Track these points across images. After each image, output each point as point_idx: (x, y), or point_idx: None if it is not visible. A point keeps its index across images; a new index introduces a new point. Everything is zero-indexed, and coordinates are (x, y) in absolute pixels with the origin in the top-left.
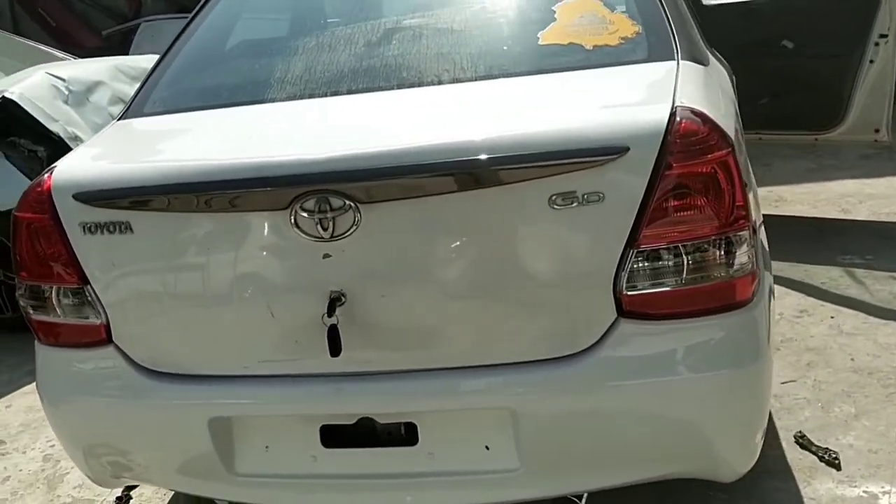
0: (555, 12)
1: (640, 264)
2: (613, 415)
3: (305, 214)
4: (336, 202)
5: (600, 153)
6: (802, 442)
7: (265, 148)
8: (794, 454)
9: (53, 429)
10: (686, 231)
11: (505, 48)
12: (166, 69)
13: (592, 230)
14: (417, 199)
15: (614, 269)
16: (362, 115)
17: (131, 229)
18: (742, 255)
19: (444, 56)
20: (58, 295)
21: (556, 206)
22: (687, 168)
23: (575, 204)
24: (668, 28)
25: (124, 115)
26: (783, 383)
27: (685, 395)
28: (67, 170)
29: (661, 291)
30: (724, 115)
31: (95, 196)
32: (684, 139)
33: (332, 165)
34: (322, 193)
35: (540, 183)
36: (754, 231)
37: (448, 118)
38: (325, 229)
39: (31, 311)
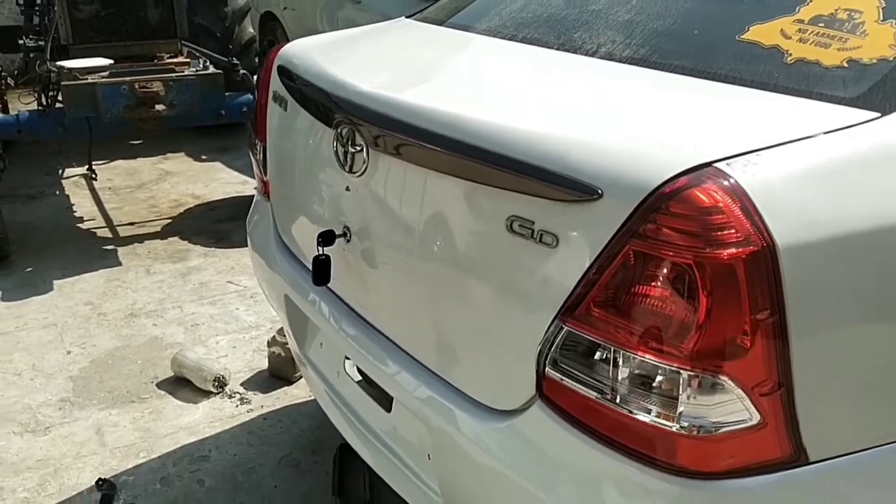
0: (805, 2)
1: (567, 346)
2: (499, 499)
3: (339, 141)
4: (358, 139)
5: (567, 187)
6: None
7: (360, 73)
8: None
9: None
10: (629, 333)
11: (696, 32)
12: None
13: (535, 277)
14: (405, 163)
15: (540, 338)
16: (463, 64)
17: (286, 107)
18: (708, 409)
19: (626, 25)
20: (256, 150)
21: (512, 230)
22: (656, 248)
23: (529, 237)
24: None
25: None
26: None
27: None
28: (293, 47)
29: (583, 395)
30: (826, 212)
31: (280, 70)
32: (671, 210)
33: (353, 98)
34: (351, 125)
35: (505, 196)
36: (776, 387)
37: (493, 93)
38: (346, 161)
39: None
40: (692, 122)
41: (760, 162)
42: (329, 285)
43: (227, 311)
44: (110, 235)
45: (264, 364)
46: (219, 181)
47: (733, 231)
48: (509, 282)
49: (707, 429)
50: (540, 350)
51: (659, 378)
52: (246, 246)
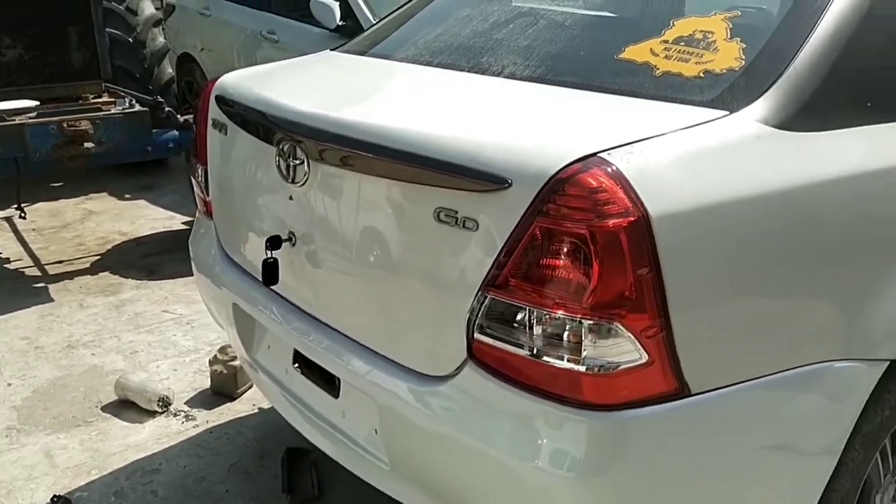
0: (670, 26)
1: (491, 313)
2: (447, 453)
3: (281, 156)
4: (299, 153)
5: (482, 179)
6: None
7: (295, 95)
8: None
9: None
10: (541, 295)
11: (582, 54)
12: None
13: (461, 257)
14: (342, 170)
15: (468, 307)
16: (386, 86)
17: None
18: (605, 350)
19: (525, 49)
20: (198, 174)
21: (440, 220)
22: (555, 224)
23: (453, 224)
24: (781, 74)
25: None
26: None
27: (511, 473)
28: (229, 78)
29: (506, 351)
30: (688, 189)
31: (218, 98)
32: (567, 192)
33: (292, 117)
34: (291, 141)
35: (431, 191)
36: (658, 331)
37: (415, 107)
38: (288, 173)
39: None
40: (581, 123)
41: (634, 151)
42: (275, 288)
43: (164, 338)
44: (39, 274)
45: (206, 384)
46: (145, 218)
47: (616, 206)
48: (439, 264)
49: (606, 368)
50: (468, 318)
51: (566, 330)
52: (178, 277)
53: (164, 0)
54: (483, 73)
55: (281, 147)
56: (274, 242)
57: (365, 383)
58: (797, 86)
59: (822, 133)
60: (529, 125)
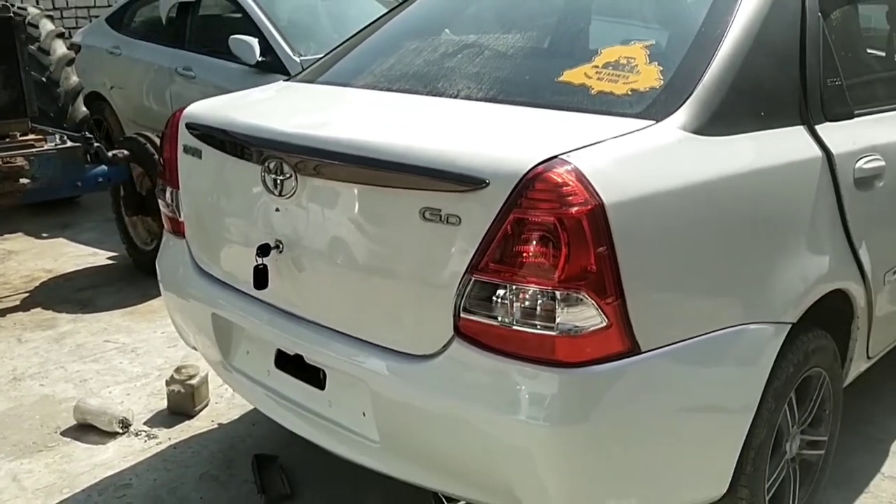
0: (598, 53)
1: (475, 293)
2: (437, 423)
3: (267, 172)
4: (286, 168)
5: (463, 181)
6: None
7: (274, 119)
8: None
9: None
10: (519, 274)
11: (527, 78)
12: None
13: (447, 249)
14: (330, 181)
15: (455, 291)
16: (358, 109)
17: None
18: (573, 316)
19: (475, 75)
20: (166, 196)
21: (425, 218)
22: (529, 214)
23: (438, 221)
24: (693, 90)
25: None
26: None
27: (496, 430)
28: (197, 108)
29: (490, 325)
30: (631, 182)
31: (188, 125)
32: (537, 187)
33: (280, 138)
34: (278, 158)
35: (416, 194)
36: (615, 299)
37: (392, 125)
38: (276, 187)
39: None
40: (539, 133)
41: (587, 153)
42: (258, 295)
43: (111, 366)
44: None
45: (161, 405)
46: (68, 255)
47: (577, 197)
48: (426, 256)
49: (574, 331)
50: (455, 300)
51: (541, 301)
52: (115, 309)
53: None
54: (441, 96)
55: (267, 165)
56: (263, 250)
57: (356, 369)
58: (706, 99)
59: (728, 137)
60: (496, 135)
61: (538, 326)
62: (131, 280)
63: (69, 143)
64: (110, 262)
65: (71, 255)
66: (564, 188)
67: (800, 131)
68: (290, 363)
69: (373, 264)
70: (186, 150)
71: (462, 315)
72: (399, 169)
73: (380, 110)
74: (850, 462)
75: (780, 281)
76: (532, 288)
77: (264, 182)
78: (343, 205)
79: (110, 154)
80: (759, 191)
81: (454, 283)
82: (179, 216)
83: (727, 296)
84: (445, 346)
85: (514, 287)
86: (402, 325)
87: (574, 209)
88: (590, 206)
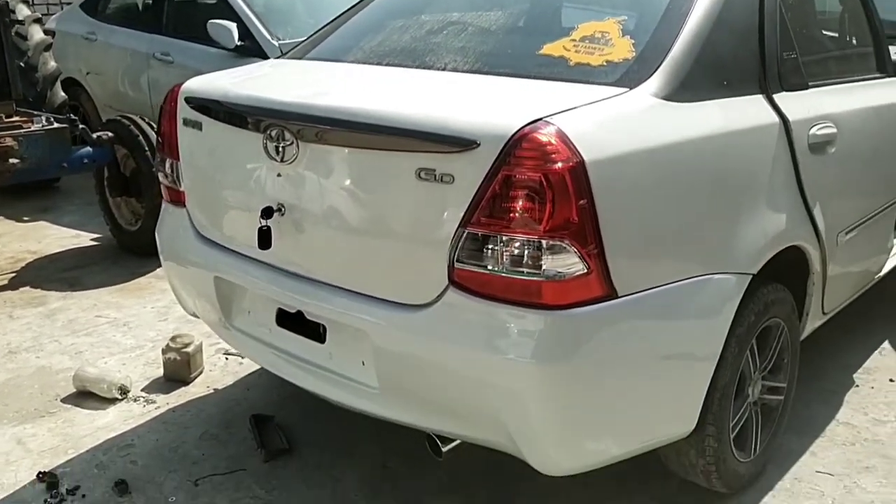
0: (575, 28)
1: (468, 245)
2: (433, 366)
3: (269, 140)
4: (288, 136)
5: (456, 143)
6: None
7: (274, 90)
8: None
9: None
10: (509, 226)
11: (510, 51)
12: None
13: (441, 205)
14: (332, 147)
15: (449, 243)
16: (353, 80)
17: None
18: (558, 263)
19: (461, 49)
20: (166, 168)
21: (421, 178)
22: (517, 172)
23: (433, 180)
24: (662, 61)
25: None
26: (818, 472)
27: (488, 370)
28: (195, 83)
29: (482, 273)
30: (608, 142)
31: (188, 100)
32: (524, 147)
33: (281, 107)
34: (280, 126)
35: (413, 155)
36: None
37: (388, 94)
38: (278, 153)
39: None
40: (523, 99)
41: (568, 116)
42: (261, 257)
43: (105, 339)
44: None
45: (157, 373)
46: (51, 237)
47: (561, 155)
48: (422, 212)
49: (559, 277)
50: (449, 252)
51: (529, 250)
52: (103, 287)
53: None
54: (430, 69)
55: (269, 133)
56: (266, 213)
57: (357, 321)
58: (675, 69)
59: (694, 103)
60: (484, 102)
61: (526, 273)
62: (116, 260)
63: (56, 125)
64: (94, 243)
65: (54, 238)
66: (549, 147)
67: (759, 100)
68: (291, 320)
69: (371, 222)
70: (186, 122)
71: (456, 266)
72: (396, 133)
73: (374, 82)
74: (807, 411)
75: (741, 235)
76: (520, 238)
77: (266, 149)
78: (343, 168)
79: (94, 136)
80: (723, 152)
81: (448, 237)
82: (180, 186)
83: (694, 247)
84: (440, 296)
85: (503, 238)
86: (399, 277)
87: (558, 166)
88: (572, 164)
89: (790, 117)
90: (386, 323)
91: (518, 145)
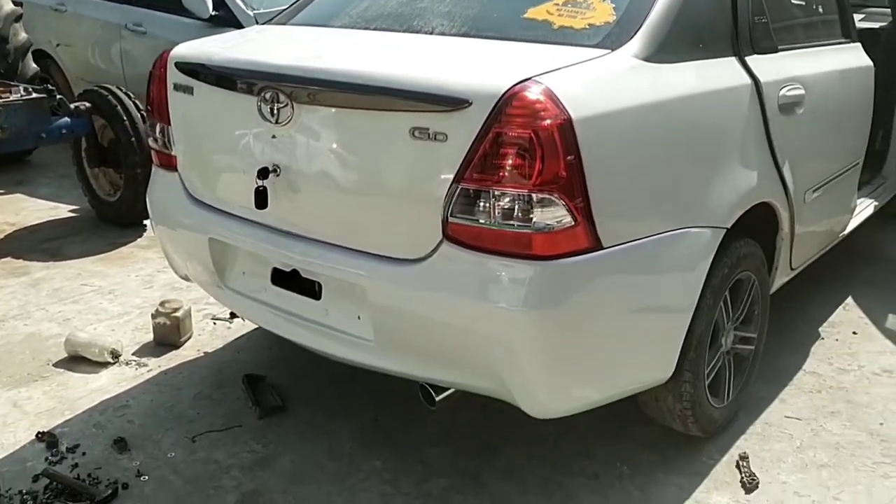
0: None
1: (461, 200)
2: (429, 317)
3: (263, 102)
4: (283, 98)
5: (449, 102)
6: (739, 463)
7: (267, 54)
8: (725, 470)
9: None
10: (500, 181)
11: (495, 15)
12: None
13: (435, 163)
14: (327, 108)
15: (443, 199)
16: (344, 44)
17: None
18: (547, 216)
19: (447, 14)
20: (157, 132)
21: (415, 136)
22: (508, 129)
23: (427, 139)
24: (642, 24)
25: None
26: (787, 417)
27: (481, 318)
28: (184, 48)
29: (475, 227)
30: (594, 101)
31: (179, 66)
32: (514, 105)
33: (276, 70)
34: (274, 89)
35: (407, 115)
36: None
37: (380, 56)
38: (273, 115)
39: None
40: (511, 60)
41: (555, 76)
42: (255, 217)
43: (92, 306)
44: None
45: (147, 338)
46: (28, 209)
47: (549, 112)
48: (416, 170)
49: (548, 229)
50: (443, 208)
51: (519, 204)
52: (85, 257)
53: None
54: (418, 33)
55: (263, 95)
56: (262, 173)
57: (354, 276)
58: (653, 32)
59: (672, 64)
60: (474, 63)
61: (517, 226)
62: (96, 231)
63: (34, 95)
64: (72, 214)
65: (31, 210)
66: (538, 105)
67: (732, 62)
68: (286, 279)
69: (366, 181)
70: (177, 87)
71: (450, 220)
72: (391, 94)
73: (364, 45)
74: (776, 362)
75: (716, 191)
76: (511, 192)
77: (260, 112)
78: (338, 129)
79: (72, 106)
80: (700, 111)
81: (442, 193)
82: (171, 150)
83: (673, 202)
84: (434, 249)
85: (496, 193)
86: (394, 233)
87: (547, 123)
88: (560, 121)
89: (761, 78)
90: (382, 277)
91: (509, 104)
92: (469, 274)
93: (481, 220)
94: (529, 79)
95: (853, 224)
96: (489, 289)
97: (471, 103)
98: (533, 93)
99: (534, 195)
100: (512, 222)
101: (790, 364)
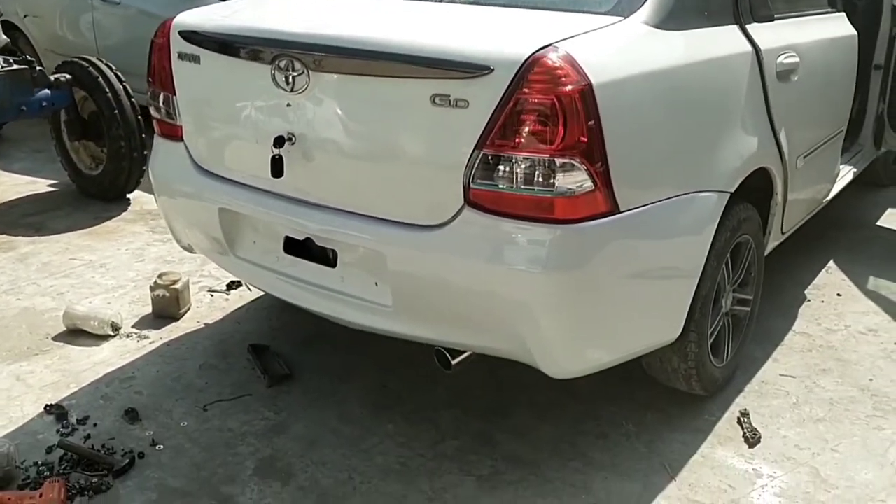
0: None
1: (483, 166)
2: (450, 282)
3: (278, 70)
4: (298, 66)
5: (471, 68)
6: (741, 419)
7: (281, 21)
8: (726, 426)
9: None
10: (522, 146)
11: None
12: None
13: (456, 129)
14: (344, 76)
15: (464, 165)
16: (359, 10)
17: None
18: (568, 180)
19: None
20: (160, 102)
21: (435, 103)
22: (530, 95)
23: (448, 105)
24: None
25: None
26: (782, 375)
27: (503, 281)
28: (188, 17)
29: (497, 192)
30: (612, 66)
31: (184, 35)
32: (536, 71)
33: (291, 38)
34: (290, 57)
35: (428, 82)
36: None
37: (398, 23)
38: (288, 84)
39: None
40: (530, 27)
41: (574, 42)
42: (268, 187)
43: (84, 280)
44: None
45: (144, 311)
46: (5, 184)
47: (571, 78)
48: (438, 137)
49: (569, 193)
50: (465, 174)
51: (541, 168)
52: (71, 231)
53: None
54: (429, 0)
55: (277, 63)
56: (278, 142)
57: (373, 243)
58: (662, 0)
59: (681, 32)
60: (493, 31)
61: (538, 190)
62: (78, 205)
63: (15, 66)
64: (52, 188)
65: (9, 184)
66: (559, 71)
67: (734, 29)
68: (299, 247)
69: (385, 148)
70: (182, 56)
71: (472, 186)
72: (412, 61)
73: (378, 13)
74: (767, 323)
75: (722, 156)
76: (534, 157)
77: (274, 80)
78: (356, 96)
79: (52, 78)
80: (707, 76)
81: (464, 159)
82: (177, 120)
83: (683, 167)
84: (456, 215)
85: (518, 158)
86: (414, 200)
87: (569, 88)
88: (581, 86)
89: (761, 46)
90: (403, 244)
91: (531, 70)
92: (491, 238)
93: (502, 186)
94: (550, 45)
95: (835, 190)
96: (511, 252)
97: (493, 70)
98: (554, 59)
99: (556, 160)
100: (533, 187)
101: (781, 325)
